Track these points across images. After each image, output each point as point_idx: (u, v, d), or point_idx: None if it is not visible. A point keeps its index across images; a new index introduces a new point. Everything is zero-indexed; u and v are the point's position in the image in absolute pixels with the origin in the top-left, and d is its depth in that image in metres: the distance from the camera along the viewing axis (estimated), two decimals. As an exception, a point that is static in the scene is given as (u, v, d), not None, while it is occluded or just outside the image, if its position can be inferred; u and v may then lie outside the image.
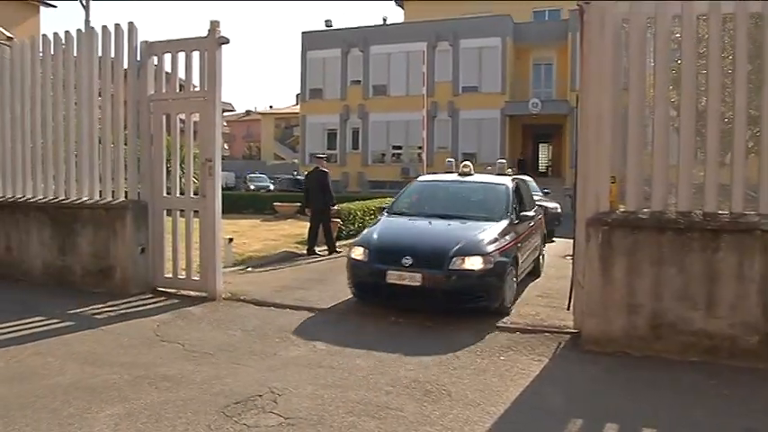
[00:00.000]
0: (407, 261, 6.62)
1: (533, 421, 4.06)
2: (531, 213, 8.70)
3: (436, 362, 5.19)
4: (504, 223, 7.51)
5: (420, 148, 31.41)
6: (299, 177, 31.09)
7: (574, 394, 4.60)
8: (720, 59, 5.61)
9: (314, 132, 35.36)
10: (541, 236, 9.91)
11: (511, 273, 7.09)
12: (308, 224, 12.32)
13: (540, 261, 9.85)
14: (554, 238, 14.13)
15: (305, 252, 11.98)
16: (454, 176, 9.13)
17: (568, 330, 6.16)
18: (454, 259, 6.58)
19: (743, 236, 5.27)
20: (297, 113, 42.07)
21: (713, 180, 5.48)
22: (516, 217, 7.89)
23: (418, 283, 6.55)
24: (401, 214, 8.10)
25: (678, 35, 5.66)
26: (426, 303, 6.73)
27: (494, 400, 4.33)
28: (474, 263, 6.60)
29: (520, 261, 7.63)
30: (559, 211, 15.60)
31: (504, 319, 6.62)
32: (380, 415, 4.02)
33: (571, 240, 6.58)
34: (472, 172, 9.07)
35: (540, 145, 35.76)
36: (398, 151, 33.45)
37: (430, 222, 7.67)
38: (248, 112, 69.60)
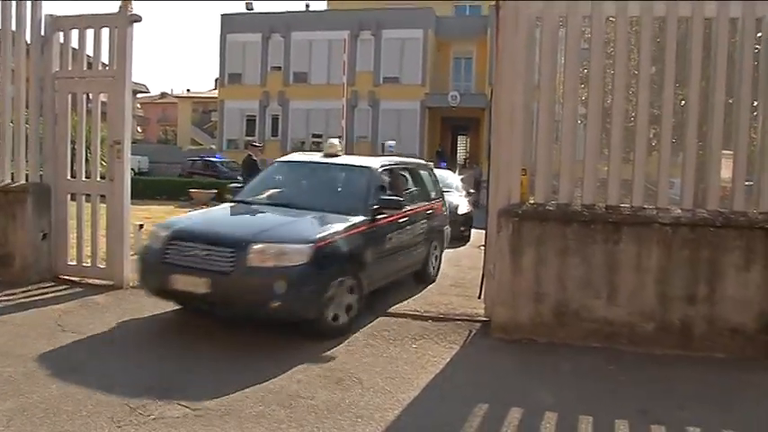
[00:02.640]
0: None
1: (442, 406, 4.16)
2: (409, 205, 7.31)
3: (348, 350, 5.21)
4: (356, 215, 6.17)
5: (339, 137, 31.41)
6: (213, 160, 29.68)
7: (481, 380, 4.74)
8: (626, 60, 5.90)
9: (232, 118, 34.56)
10: (439, 235, 8.59)
11: (341, 278, 5.63)
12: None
13: (432, 263, 8.32)
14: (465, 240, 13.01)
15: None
16: (318, 157, 7.66)
17: (479, 319, 6.33)
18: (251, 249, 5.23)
19: (642, 228, 5.57)
20: (214, 98, 40.97)
21: (616, 175, 5.76)
22: (377, 208, 6.42)
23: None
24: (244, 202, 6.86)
25: (588, 35, 5.88)
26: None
27: (404, 388, 4.40)
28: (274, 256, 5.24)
29: (370, 264, 6.11)
30: (468, 212, 13.46)
31: (416, 308, 6.72)
32: (291, 404, 4.00)
33: (484, 231, 6.74)
34: (339, 153, 7.65)
35: (459, 137, 36.46)
36: (318, 140, 33.20)
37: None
38: (164, 95, 67.00)
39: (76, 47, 7.43)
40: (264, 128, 33.67)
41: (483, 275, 6.58)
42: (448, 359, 5.14)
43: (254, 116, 33.98)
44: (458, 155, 36.16)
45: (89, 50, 7.38)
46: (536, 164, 5.87)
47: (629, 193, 5.83)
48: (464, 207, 13.02)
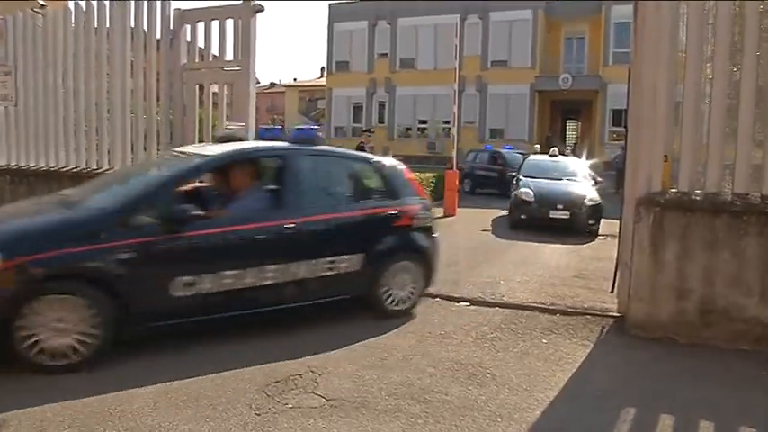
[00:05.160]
0: None
1: (585, 409, 3.90)
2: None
3: (478, 343, 5.04)
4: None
5: (447, 122, 31.08)
6: (501, 151, 27.80)
7: (624, 381, 4.43)
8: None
9: (340, 105, 35.04)
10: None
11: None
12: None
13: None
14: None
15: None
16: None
17: (611, 314, 5.96)
18: None
19: (803, 220, 5.00)
20: (321, 86, 41.72)
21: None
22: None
23: None
24: None
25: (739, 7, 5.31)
26: None
27: (541, 386, 4.18)
28: None
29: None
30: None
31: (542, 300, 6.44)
32: (425, 398, 3.89)
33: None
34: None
35: (568, 121, 35.05)
36: (424, 126, 33.04)
37: None
38: (272, 85, 69.27)
39: (203, 39, 7.68)
40: (371, 115, 33.89)
41: (616, 268, 6.18)
42: (584, 356, 4.85)
43: (362, 103, 34.25)
44: (566, 140, 34.80)
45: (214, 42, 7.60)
46: (681, 149, 5.40)
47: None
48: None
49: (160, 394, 3.82)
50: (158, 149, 7.82)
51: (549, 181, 12.89)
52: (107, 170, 7.99)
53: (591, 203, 11.90)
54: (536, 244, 10.45)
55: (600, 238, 11.38)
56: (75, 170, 8.25)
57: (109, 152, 8.07)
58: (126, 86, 7.92)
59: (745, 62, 5.21)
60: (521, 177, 13.38)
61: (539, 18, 29.98)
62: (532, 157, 15.63)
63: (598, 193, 12.51)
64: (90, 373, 4.08)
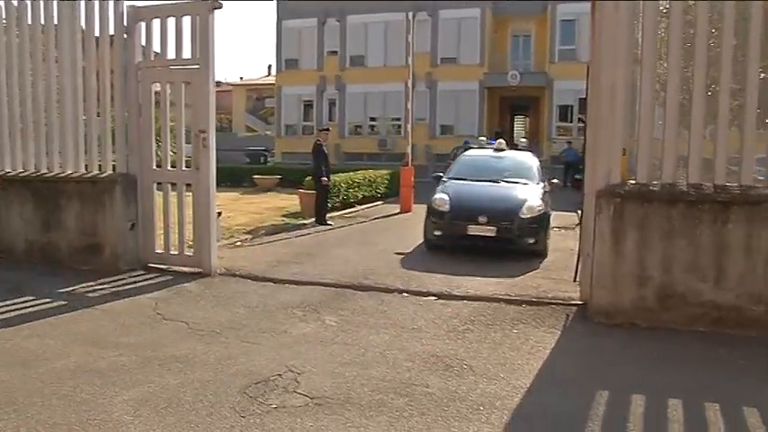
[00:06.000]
0: None
1: (561, 393, 4.04)
2: None
3: (451, 336, 5.13)
4: None
5: (397, 119, 31.22)
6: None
7: (593, 366, 4.60)
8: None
9: (290, 103, 34.74)
10: None
11: None
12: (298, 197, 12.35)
13: None
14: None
15: (292, 223, 11.96)
16: None
17: (574, 302, 6.16)
18: None
19: (752, 208, 5.27)
20: (269, 84, 41.25)
21: (723, 152, 5.47)
22: None
23: None
24: None
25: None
26: None
27: (517, 374, 4.29)
28: None
29: None
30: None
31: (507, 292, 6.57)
32: (407, 392, 3.94)
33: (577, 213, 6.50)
34: None
35: (516, 117, 35.71)
36: (375, 123, 33.10)
37: None
38: (218, 83, 68.06)
39: (158, 37, 7.50)
40: (322, 112, 33.74)
41: (578, 258, 6.37)
42: (553, 344, 5.01)
43: (312, 101, 34.07)
44: (515, 135, 35.43)
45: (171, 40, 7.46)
46: (638, 142, 5.61)
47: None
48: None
49: (140, 401, 3.75)
50: (113, 151, 7.63)
51: (481, 183, 9.68)
52: (58, 174, 7.76)
53: (528, 215, 8.71)
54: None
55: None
56: (22, 174, 7.97)
57: (61, 154, 7.82)
58: (77, 87, 7.69)
59: (697, 61, 5.46)
60: (445, 179, 10.21)
61: (486, 16, 30.41)
62: (471, 151, 12.28)
63: (547, 198, 9.48)
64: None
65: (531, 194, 9.21)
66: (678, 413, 3.73)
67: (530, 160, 10.90)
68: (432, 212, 9.19)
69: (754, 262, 5.28)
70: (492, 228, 8.60)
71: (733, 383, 4.23)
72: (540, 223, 8.83)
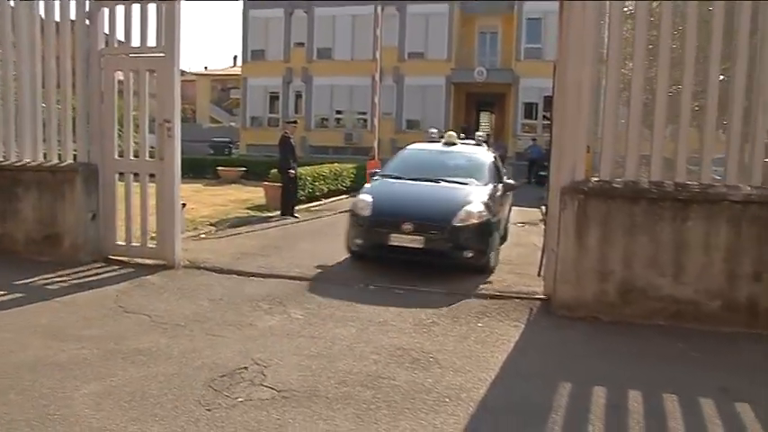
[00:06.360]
0: None
1: (526, 385, 4.11)
2: None
3: (417, 329, 5.16)
4: None
5: (363, 113, 31.19)
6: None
7: (556, 358, 4.70)
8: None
9: (255, 95, 34.36)
10: None
11: None
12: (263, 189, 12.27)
13: None
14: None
15: (257, 216, 11.90)
16: None
17: (538, 296, 6.25)
18: None
19: (711, 206, 5.43)
20: (234, 75, 40.76)
21: (684, 151, 5.62)
22: None
23: None
24: None
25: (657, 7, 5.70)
26: None
27: (482, 367, 4.35)
28: None
29: None
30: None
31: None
32: (374, 385, 3.95)
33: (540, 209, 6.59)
34: None
35: (482, 113, 36.03)
36: (341, 116, 33.00)
37: None
38: (183, 73, 66.93)
39: (122, 23, 7.33)
40: (288, 105, 33.48)
41: (542, 253, 6.47)
42: (517, 337, 5.09)
43: (278, 93, 33.76)
44: (480, 131, 35.71)
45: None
46: (602, 140, 5.72)
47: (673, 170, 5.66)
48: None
49: (103, 395, 3.68)
50: (74, 140, 7.44)
51: (415, 183, 8.05)
52: (15, 163, 7.54)
53: (466, 222, 7.15)
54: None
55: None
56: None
57: (17, 143, 7.60)
58: (36, 73, 7.47)
59: (660, 62, 5.59)
60: (377, 177, 8.72)
61: (454, 12, 30.56)
62: (415, 145, 9.98)
63: (499, 201, 8.16)
64: (20, 376, 3.87)
65: (474, 197, 7.53)
66: (638, 404, 3.83)
67: (482, 157, 9.09)
68: (352, 216, 7.70)
69: (712, 258, 5.44)
70: (419, 237, 7.07)
71: (689, 377, 4.35)
72: (482, 233, 7.25)
